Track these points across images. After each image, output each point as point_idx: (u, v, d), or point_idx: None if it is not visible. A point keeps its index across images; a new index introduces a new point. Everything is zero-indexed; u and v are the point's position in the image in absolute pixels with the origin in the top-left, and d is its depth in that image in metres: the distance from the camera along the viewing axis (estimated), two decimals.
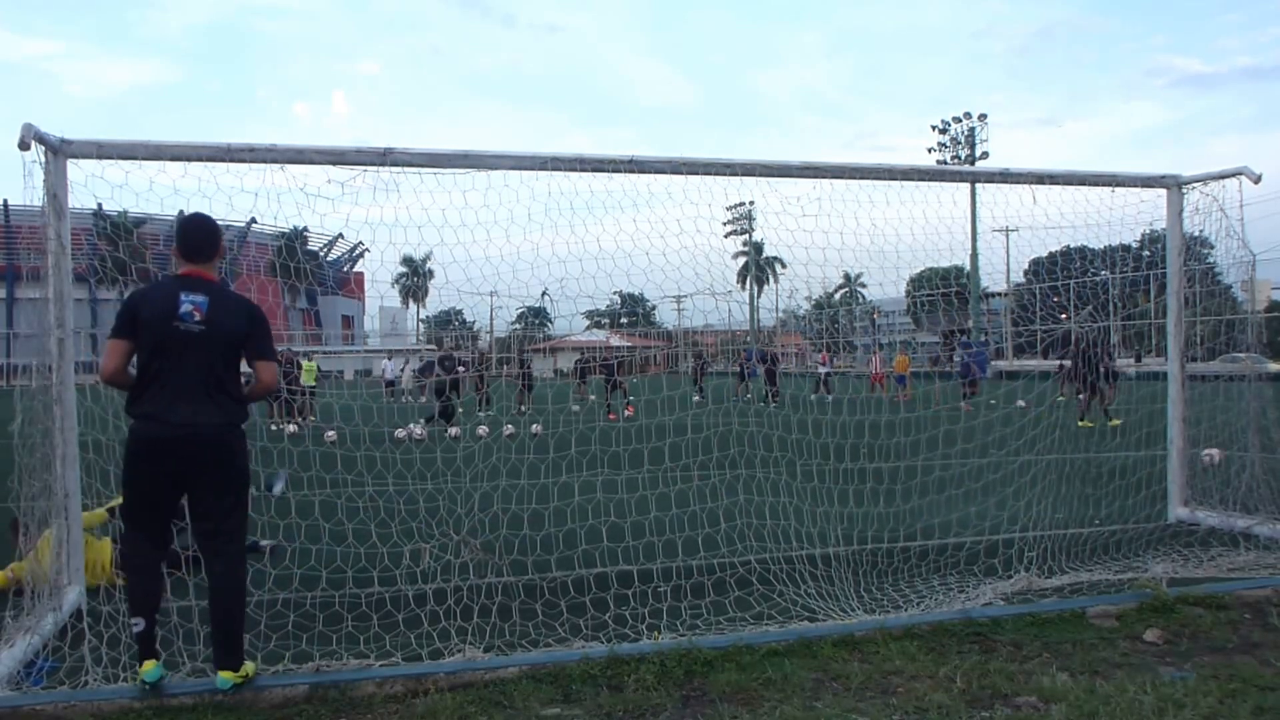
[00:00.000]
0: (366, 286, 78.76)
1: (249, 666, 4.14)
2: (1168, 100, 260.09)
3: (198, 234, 4.28)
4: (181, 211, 4.78)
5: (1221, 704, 3.76)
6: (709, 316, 9.22)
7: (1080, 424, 12.67)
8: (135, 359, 4.12)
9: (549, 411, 16.70)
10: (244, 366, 4.29)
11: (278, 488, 6.70)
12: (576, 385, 22.18)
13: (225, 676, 4.02)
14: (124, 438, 5.38)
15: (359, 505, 6.58)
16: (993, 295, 47.80)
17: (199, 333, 4.06)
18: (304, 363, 22.55)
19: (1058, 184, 7.11)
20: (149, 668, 4.02)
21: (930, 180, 7.12)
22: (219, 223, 4.52)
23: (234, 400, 4.19)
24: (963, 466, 7.73)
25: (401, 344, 62.11)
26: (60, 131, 5.03)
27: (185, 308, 4.05)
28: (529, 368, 21.81)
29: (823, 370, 25.06)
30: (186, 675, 4.26)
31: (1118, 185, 7.30)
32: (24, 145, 4.71)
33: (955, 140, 53.06)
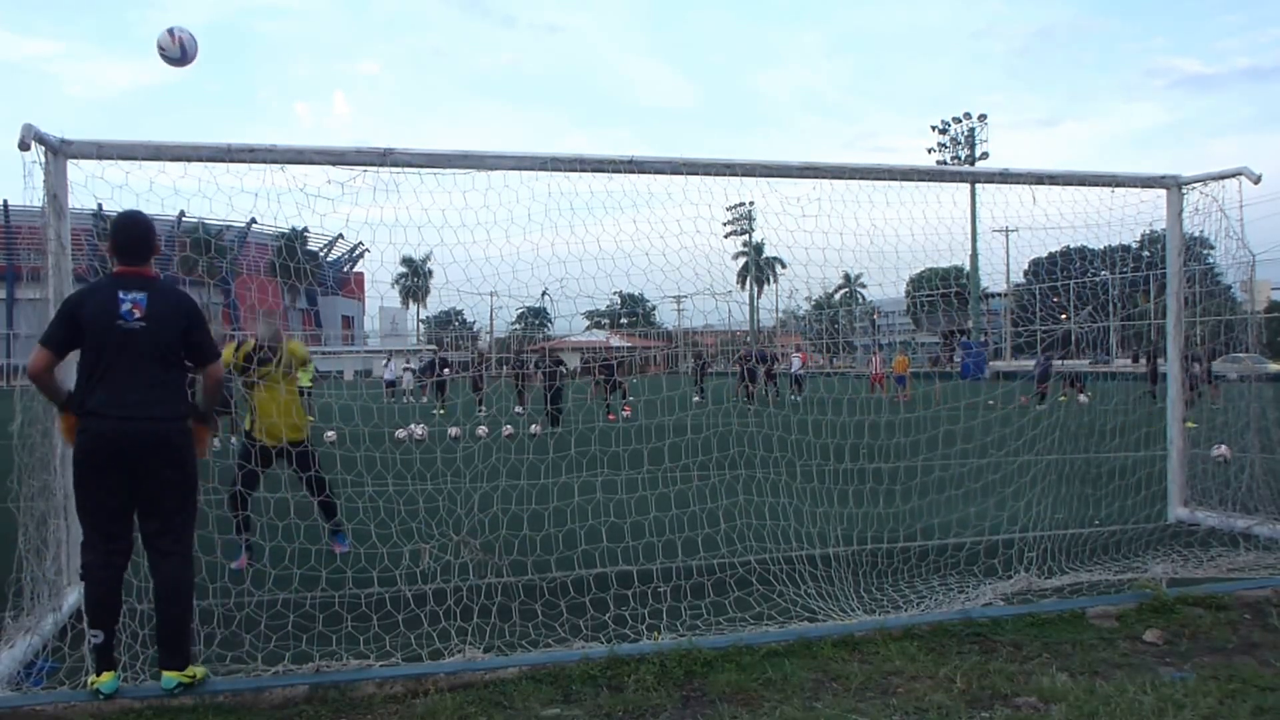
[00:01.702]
0: (366, 287, 78.85)
1: (198, 670, 4.12)
2: (1168, 101, 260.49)
3: (130, 235, 4.27)
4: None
5: (1221, 704, 3.77)
6: (709, 317, 9.23)
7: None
8: (79, 359, 4.12)
9: (548, 411, 16.70)
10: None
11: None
12: (592, 386, 21.78)
13: (170, 676, 4.01)
14: None
15: (359, 505, 6.58)
16: (993, 296, 47.78)
17: (140, 330, 4.08)
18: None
19: (1057, 184, 7.11)
20: (107, 678, 3.97)
21: (930, 180, 7.13)
22: (218, 224, 4.54)
23: (179, 396, 4.20)
24: (962, 467, 7.73)
25: (401, 344, 62.12)
26: (60, 132, 5.04)
27: (125, 306, 4.07)
28: (529, 368, 21.78)
29: (796, 370, 24.91)
30: None
31: (1117, 186, 7.30)
32: (24, 146, 4.72)
33: (955, 140, 53.11)
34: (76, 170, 5.16)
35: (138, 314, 4.08)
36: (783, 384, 25.08)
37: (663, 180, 6.08)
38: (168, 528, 4.11)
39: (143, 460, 4.03)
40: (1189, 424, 7.38)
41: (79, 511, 4.13)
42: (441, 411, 18.76)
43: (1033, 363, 20.27)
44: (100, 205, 6.12)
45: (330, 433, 9.95)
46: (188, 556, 4.22)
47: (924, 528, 7.34)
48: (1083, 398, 19.71)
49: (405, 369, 31.06)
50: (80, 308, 4.12)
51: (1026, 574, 5.81)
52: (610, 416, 17.49)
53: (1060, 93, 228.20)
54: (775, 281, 70.11)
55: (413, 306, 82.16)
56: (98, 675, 3.99)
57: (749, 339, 35.30)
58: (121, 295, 4.10)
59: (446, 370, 24.76)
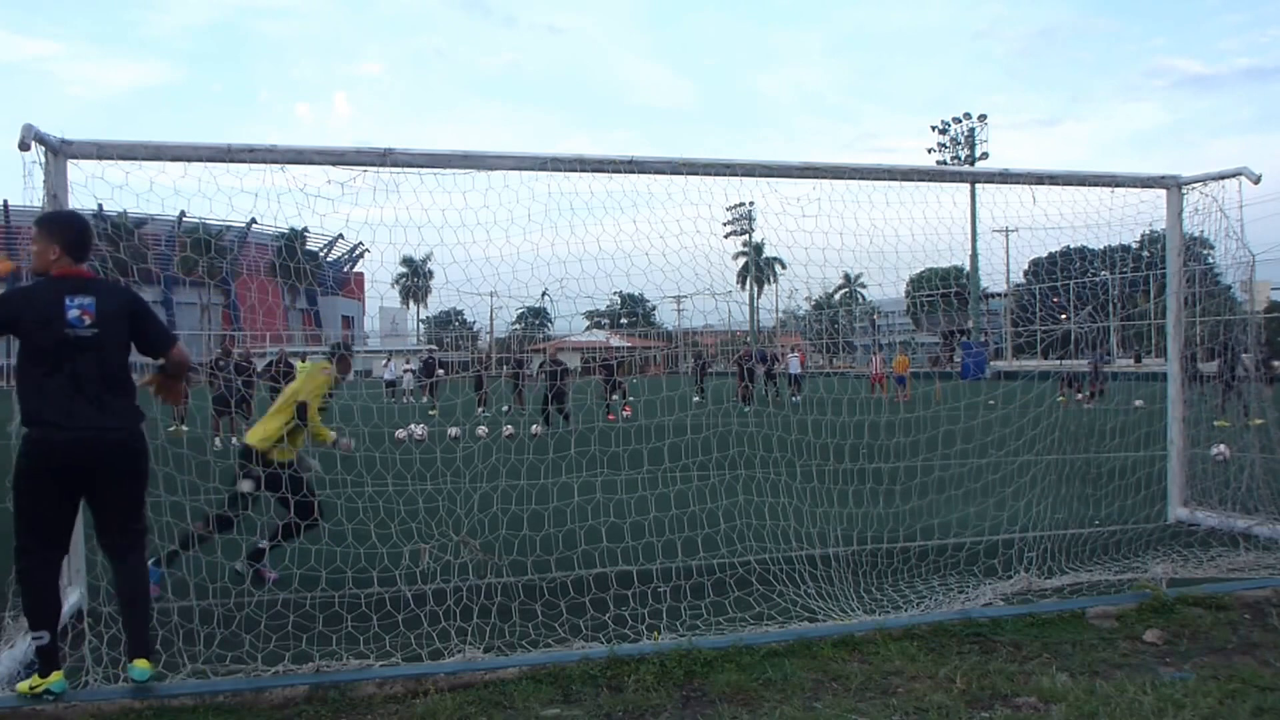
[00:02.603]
0: (366, 287, 78.96)
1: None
2: (1168, 101, 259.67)
3: (82, 233, 4.21)
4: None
5: (1221, 704, 3.76)
6: (709, 317, 9.26)
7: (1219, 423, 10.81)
8: (23, 366, 3.97)
9: (550, 413, 16.70)
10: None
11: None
12: (603, 388, 21.31)
13: (143, 666, 4.00)
14: None
15: (359, 505, 6.58)
16: (993, 296, 47.83)
17: (92, 336, 3.99)
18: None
19: (1057, 184, 7.11)
20: (56, 679, 3.94)
21: (930, 181, 7.13)
22: (219, 224, 4.54)
23: (132, 400, 4.16)
24: (962, 467, 7.73)
25: (401, 344, 62.15)
26: (61, 132, 5.04)
27: (73, 313, 3.96)
28: (527, 368, 21.77)
29: (793, 370, 24.84)
30: (186, 676, 4.25)
31: (1117, 186, 7.31)
32: (24, 146, 4.71)
33: (955, 141, 53.08)
34: (76, 170, 5.16)
35: (88, 320, 3.98)
36: (782, 384, 25.06)
37: (663, 180, 6.08)
38: (127, 531, 4.11)
39: (100, 472, 3.99)
40: (1257, 421, 7.31)
41: (19, 516, 3.97)
42: (434, 412, 18.74)
43: (1082, 362, 20.25)
44: (100, 205, 6.12)
45: (330, 433, 9.96)
46: (144, 550, 4.24)
47: (924, 528, 7.34)
48: (1080, 397, 19.74)
49: (405, 369, 31.06)
50: (23, 308, 3.98)
51: (1026, 574, 5.81)
52: (610, 416, 17.49)
53: (1060, 93, 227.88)
54: (775, 281, 70.10)
55: (413, 306, 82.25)
56: (43, 678, 3.93)
57: (749, 339, 35.31)
58: (68, 301, 3.97)
59: (441, 371, 24.79)
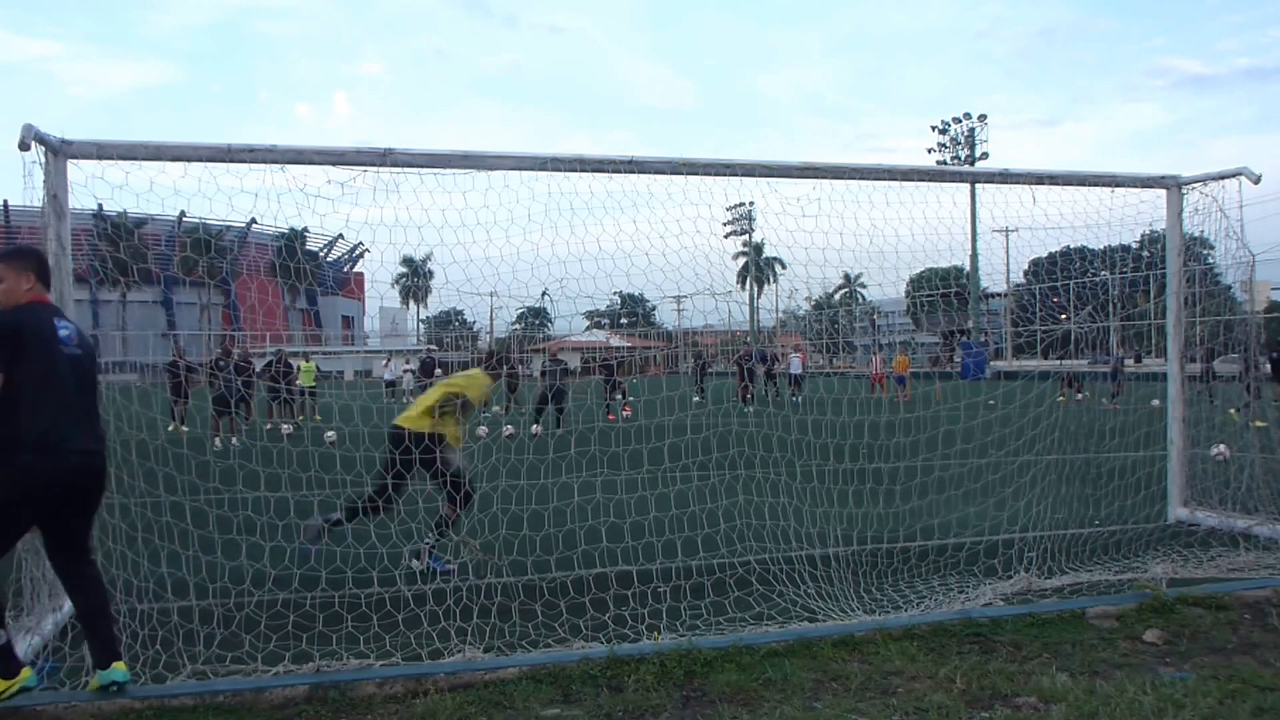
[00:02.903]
0: (366, 287, 79.12)
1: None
2: (1168, 101, 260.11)
3: (48, 265, 4.26)
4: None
5: (1221, 704, 3.77)
6: (709, 317, 9.26)
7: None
8: (18, 385, 3.79)
9: (549, 413, 16.69)
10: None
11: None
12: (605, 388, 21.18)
13: (121, 668, 4.01)
14: (123, 438, 5.37)
15: (359, 505, 6.56)
16: (993, 296, 47.82)
17: (80, 356, 4.05)
18: (302, 363, 22.55)
19: (1057, 184, 7.11)
20: (26, 674, 3.89)
21: (930, 181, 7.12)
22: (219, 224, 4.54)
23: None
24: (962, 467, 7.73)
25: (401, 344, 62.18)
26: (61, 132, 5.04)
27: (64, 333, 4.02)
28: (526, 368, 21.74)
29: (794, 370, 24.82)
30: (186, 676, 4.26)
31: (1117, 186, 7.30)
32: (24, 146, 4.72)
33: (955, 141, 53.06)
34: (76, 170, 5.16)
35: (74, 341, 4.05)
36: (782, 384, 25.05)
37: (663, 180, 6.08)
38: (85, 548, 4.12)
39: (84, 493, 4.01)
40: (1259, 424, 7.32)
41: None
42: None
43: (1099, 362, 20.18)
44: (100, 205, 6.13)
45: (330, 433, 9.96)
46: (97, 562, 4.26)
47: (924, 528, 7.34)
48: (1080, 397, 19.75)
49: (405, 370, 31.07)
50: (23, 325, 3.89)
51: (1026, 574, 5.81)
52: (610, 416, 17.48)
53: (1060, 93, 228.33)
54: (775, 281, 70.09)
55: (413, 306, 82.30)
56: (10, 679, 3.84)
57: (749, 339, 35.31)
58: (57, 322, 4.03)
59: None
